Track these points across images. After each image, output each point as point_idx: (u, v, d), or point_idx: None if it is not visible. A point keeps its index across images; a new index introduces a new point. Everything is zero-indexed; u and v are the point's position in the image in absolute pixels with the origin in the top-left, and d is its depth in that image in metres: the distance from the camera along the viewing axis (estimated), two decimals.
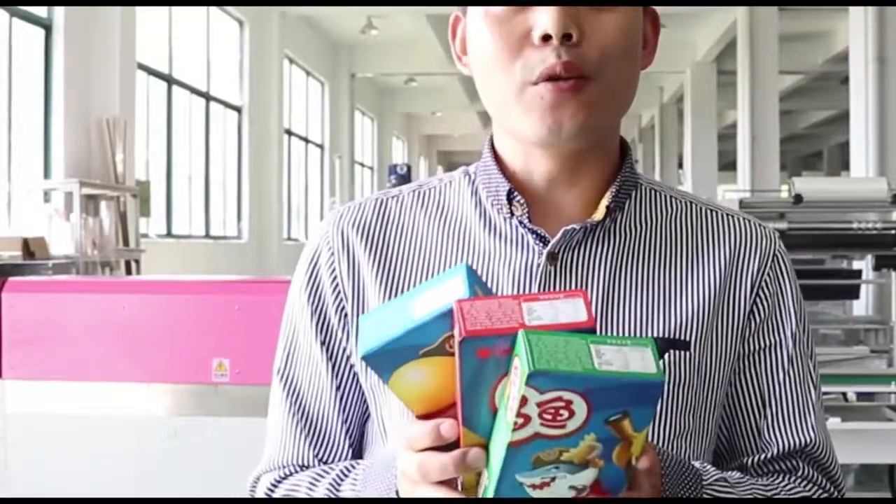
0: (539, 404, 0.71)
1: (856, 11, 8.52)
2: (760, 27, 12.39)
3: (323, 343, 1.06)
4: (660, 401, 0.95)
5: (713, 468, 0.98)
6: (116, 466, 2.68)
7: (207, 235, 12.02)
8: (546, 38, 0.94)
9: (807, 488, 1.03)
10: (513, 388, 0.73)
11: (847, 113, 8.89)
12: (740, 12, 12.57)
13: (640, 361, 0.72)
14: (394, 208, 1.09)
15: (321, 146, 16.61)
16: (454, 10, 1.07)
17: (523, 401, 0.71)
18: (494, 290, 1.00)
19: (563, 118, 0.96)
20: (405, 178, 9.48)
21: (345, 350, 1.06)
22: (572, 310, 0.75)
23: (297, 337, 1.08)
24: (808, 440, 1.03)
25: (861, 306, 6.08)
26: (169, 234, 10.77)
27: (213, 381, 2.64)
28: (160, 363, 2.68)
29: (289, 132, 14.65)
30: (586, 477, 0.75)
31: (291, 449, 1.07)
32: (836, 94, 15.17)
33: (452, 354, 0.76)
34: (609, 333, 0.98)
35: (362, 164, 20.41)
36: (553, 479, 0.75)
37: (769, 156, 12.36)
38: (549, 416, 0.72)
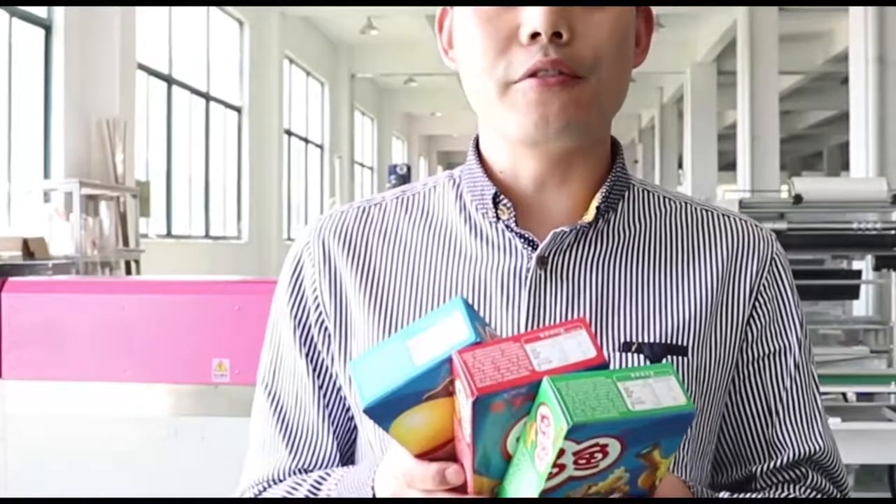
0: (575, 453, 0.69)
1: (856, 11, 8.51)
2: (760, 27, 12.39)
3: (308, 356, 1.03)
4: None
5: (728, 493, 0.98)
6: (116, 466, 2.68)
7: (207, 235, 12.02)
8: (534, 36, 0.91)
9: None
10: (542, 438, 0.70)
11: (847, 113, 8.89)
12: (740, 12, 12.57)
13: (668, 393, 0.71)
14: (376, 216, 1.05)
15: (321, 146, 16.61)
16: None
17: (560, 453, 0.69)
18: (483, 296, 0.98)
19: (549, 114, 0.92)
20: (405, 179, 9.49)
21: (329, 365, 1.03)
22: (578, 346, 0.73)
23: (281, 350, 1.05)
24: (817, 447, 1.00)
25: (861, 306, 6.08)
26: (169, 235, 10.77)
27: (213, 381, 2.64)
28: (160, 363, 2.68)
29: (289, 132, 14.65)
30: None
31: (279, 464, 1.04)
32: (836, 94, 15.18)
33: (453, 394, 0.74)
34: (608, 341, 0.96)
35: (362, 165, 20.41)
36: None
37: (769, 156, 12.37)
38: (584, 461, 0.70)
